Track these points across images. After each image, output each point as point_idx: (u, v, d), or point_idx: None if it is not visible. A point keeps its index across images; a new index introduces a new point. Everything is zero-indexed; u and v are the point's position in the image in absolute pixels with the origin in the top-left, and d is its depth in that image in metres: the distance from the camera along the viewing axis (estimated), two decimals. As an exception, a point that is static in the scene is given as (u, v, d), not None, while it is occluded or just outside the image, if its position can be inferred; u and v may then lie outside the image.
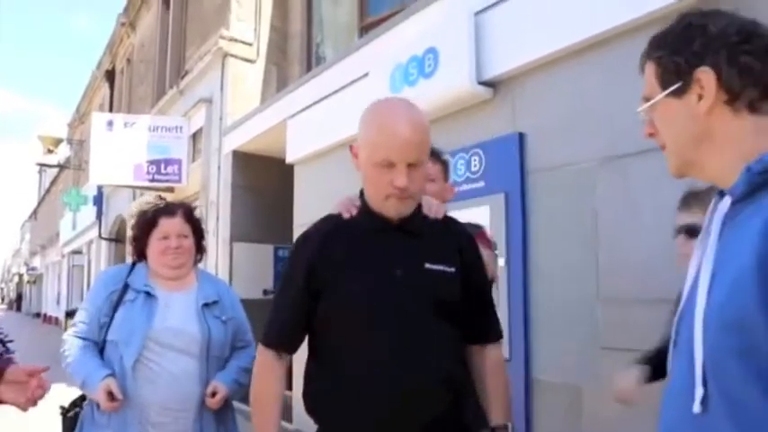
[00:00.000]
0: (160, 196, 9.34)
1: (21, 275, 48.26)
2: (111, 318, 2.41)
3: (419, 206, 1.82)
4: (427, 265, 1.71)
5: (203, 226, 2.71)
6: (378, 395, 1.62)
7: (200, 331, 2.44)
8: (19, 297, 48.71)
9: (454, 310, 1.73)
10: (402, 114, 1.68)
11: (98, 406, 2.30)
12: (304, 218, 6.49)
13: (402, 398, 1.61)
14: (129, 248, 2.69)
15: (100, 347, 2.41)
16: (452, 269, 1.73)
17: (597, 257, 3.43)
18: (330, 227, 1.81)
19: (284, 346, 1.82)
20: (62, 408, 2.52)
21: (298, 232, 6.64)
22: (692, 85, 1.07)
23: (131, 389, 2.30)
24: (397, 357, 1.63)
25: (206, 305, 2.51)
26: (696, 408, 0.98)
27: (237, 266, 8.47)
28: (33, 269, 40.22)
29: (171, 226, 2.53)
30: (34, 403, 1.75)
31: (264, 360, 1.82)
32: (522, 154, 3.94)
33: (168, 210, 2.61)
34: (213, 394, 2.39)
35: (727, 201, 1.04)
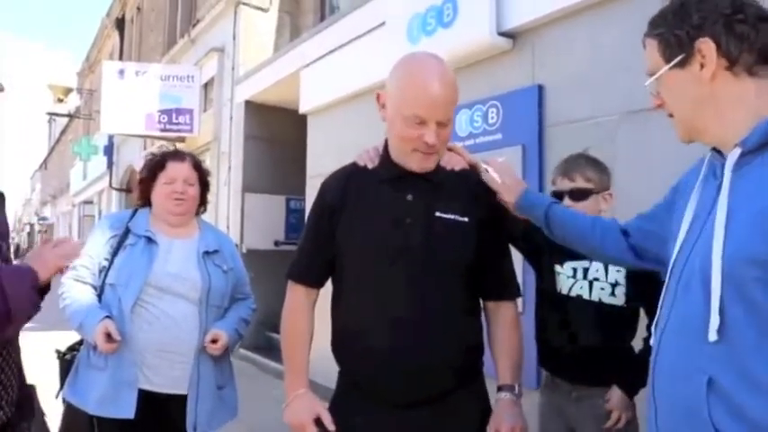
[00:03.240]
0: (175, 144, 9.34)
1: (32, 225, 48.65)
2: (111, 262, 2.39)
3: None
4: (438, 214, 1.72)
5: (214, 176, 2.70)
6: (376, 351, 1.68)
7: (200, 278, 2.43)
8: (30, 247, 49.10)
9: (465, 260, 1.74)
10: (436, 72, 1.68)
11: (95, 348, 2.29)
12: (317, 169, 6.48)
13: (392, 355, 1.65)
14: (135, 194, 2.65)
15: (98, 292, 2.39)
16: (466, 219, 1.73)
17: (614, 212, 3.40)
18: (352, 173, 1.85)
19: (308, 278, 1.86)
20: (58, 351, 2.51)
21: (310, 183, 6.73)
22: (694, 55, 1.17)
23: (129, 331, 2.28)
24: (396, 307, 1.67)
25: (207, 253, 2.50)
26: (712, 336, 1.05)
27: (249, 217, 8.48)
28: (44, 219, 40.47)
29: (178, 170, 2.50)
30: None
31: (293, 296, 1.87)
32: (541, 107, 3.90)
33: (178, 154, 2.60)
34: (214, 342, 2.38)
35: (736, 152, 1.12)
